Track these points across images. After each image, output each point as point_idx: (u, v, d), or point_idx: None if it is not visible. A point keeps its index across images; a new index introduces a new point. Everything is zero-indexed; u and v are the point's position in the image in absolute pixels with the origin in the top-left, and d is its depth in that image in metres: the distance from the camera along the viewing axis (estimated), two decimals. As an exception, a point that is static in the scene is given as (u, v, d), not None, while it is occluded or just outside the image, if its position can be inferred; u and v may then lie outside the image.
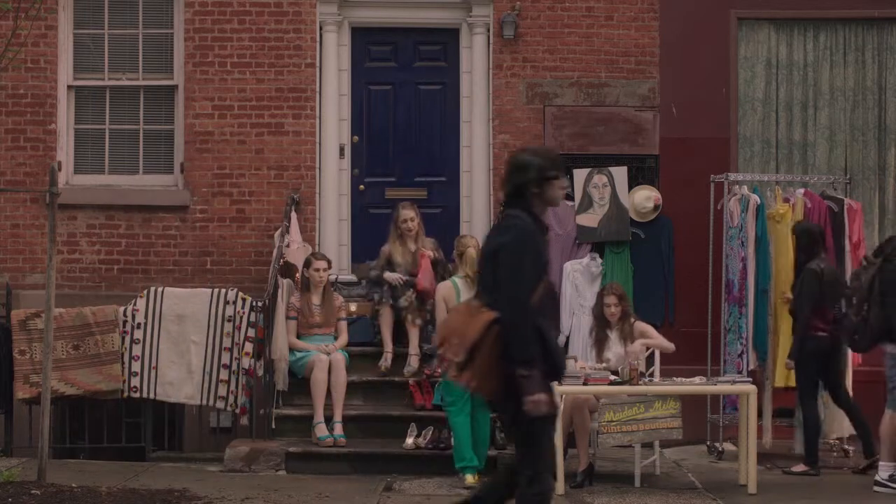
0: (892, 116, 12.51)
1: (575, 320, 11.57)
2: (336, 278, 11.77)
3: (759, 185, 11.63)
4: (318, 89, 12.43)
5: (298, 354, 10.79)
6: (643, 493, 9.58)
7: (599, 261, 11.77)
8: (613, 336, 10.27)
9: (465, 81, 12.59)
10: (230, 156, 12.33)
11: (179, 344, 10.99)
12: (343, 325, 11.10)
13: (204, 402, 11.03)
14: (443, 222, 12.44)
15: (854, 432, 10.74)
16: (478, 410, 9.93)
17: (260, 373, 10.77)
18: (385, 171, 12.70)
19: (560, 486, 9.47)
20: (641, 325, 10.34)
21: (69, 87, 12.49)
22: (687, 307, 11.86)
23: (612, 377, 9.84)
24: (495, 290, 6.20)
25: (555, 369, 6.29)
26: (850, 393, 10.94)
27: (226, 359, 10.96)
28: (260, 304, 10.79)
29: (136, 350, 10.99)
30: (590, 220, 11.93)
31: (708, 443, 11.41)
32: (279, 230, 11.56)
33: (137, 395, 10.99)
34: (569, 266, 11.78)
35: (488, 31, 12.45)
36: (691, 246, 11.83)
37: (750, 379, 10.40)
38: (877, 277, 9.53)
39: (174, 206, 12.32)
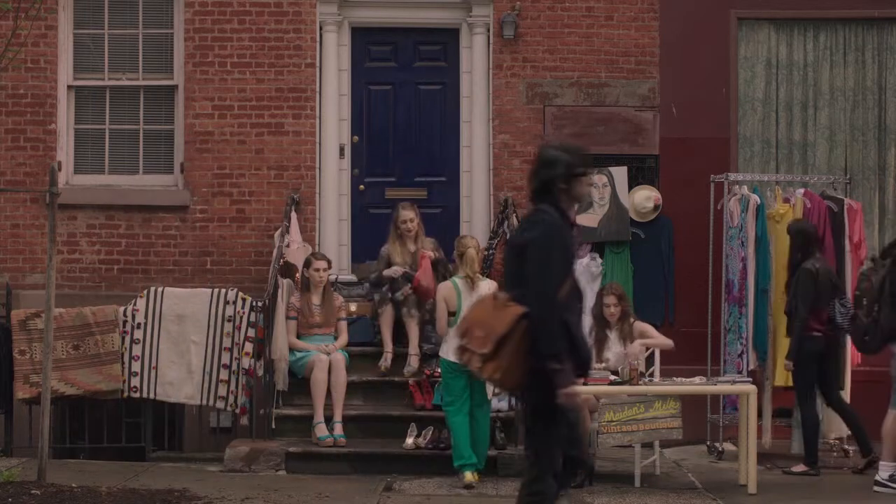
0: (892, 116, 12.51)
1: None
2: (336, 278, 11.77)
3: (759, 185, 11.63)
4: (318, 89, 12.43)
5: (298, 354, 10.79)
6: (643, 493, 9.58)
7: (599, 261, 11.78)
8: (613, 336, 10.28)
9: (465, 81, 12.59)
10: (230, 156, 12.33)
11: (179, 344, 10.99)
12: (343, 325, 11.10)
13: (204, 402, 11.03)
14: (443, 222, 12.44)
15: (841, 435, 10.79)
16: (478, 410, 9.95)
17: (260, 373, 10.77)
18: (385, 171, 12.70)
19: (560, 486, 9.48)
20: (641, 325, 10.35)
21: (69, 87, 12.49)
22: (687, 307, 11.86)
23: (612, 377, 9.85)
24: (522, 284, 6.24)
25: (581, 364, 6.32)
26: (849, 392, 10.95)
27: (226, 359, 10.96)
28: (260, 304, 10.79)
29: (136, 350, 10.99)
30: (590, 220, 11.94)
31: (708, 443, 11.41)
32: (279, 230, 11.56)
33: (137, 395, 10.99)
34: (569, 266, 11.76)
35: (488, 31, 12.45)
36: (691, 246, 11.83)
37: (750, 379, 10.41)
38: (887, 279, 9.57)
39: (174, 206, 12.32)
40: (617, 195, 11.92)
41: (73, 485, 9.04)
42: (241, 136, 12.34)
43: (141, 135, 12.56)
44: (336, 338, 10.98)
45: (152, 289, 11.19)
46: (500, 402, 10.41)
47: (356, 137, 12.66)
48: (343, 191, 12.59)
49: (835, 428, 11.05)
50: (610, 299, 10.26)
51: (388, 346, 11.11)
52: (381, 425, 10.77)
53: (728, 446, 11.15)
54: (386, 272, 11.12)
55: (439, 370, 10.25)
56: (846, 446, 11.02)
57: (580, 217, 11.88)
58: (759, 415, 10.49)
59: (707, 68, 12.31)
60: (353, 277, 12.33)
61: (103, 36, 12.55)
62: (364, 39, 12.72)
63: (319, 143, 12.46)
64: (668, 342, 10.29)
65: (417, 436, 10.40)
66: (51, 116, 12.35)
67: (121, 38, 12.55)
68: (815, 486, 9.89)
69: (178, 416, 11.50)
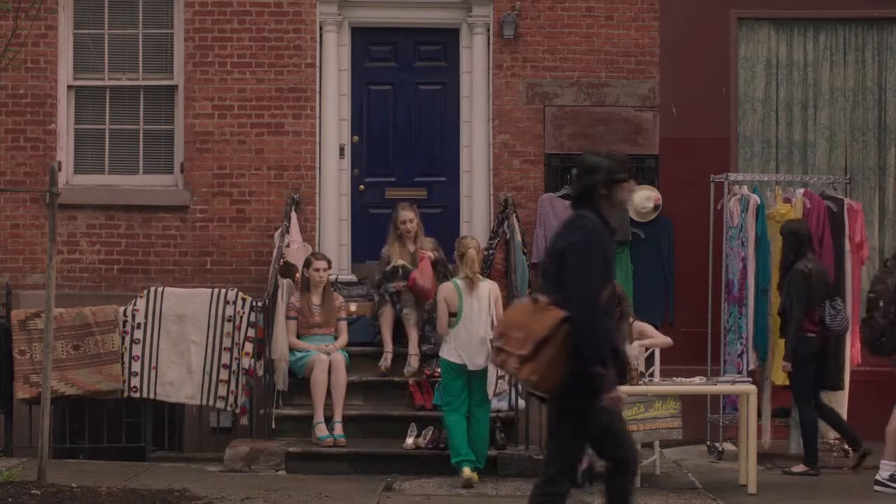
0: (892, 116, 12.51)
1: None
2: (336, 278, 11.77)
3: (759, 185, 11.63)
4: (318, 89, 12.43)
5: (298, 354, 10.79)
6: (643, 493, 9.56)
7: (599, 261, 11.74)
8: (613, 336, 10.26)
9: (465, 81, 12.58)
10: (230, 156, 12.33)
11: (179, 344, 11.00)
12: (343, 325, 11.10)
13: (204, 402, 11.03)
14: (443, 222, 12.44)
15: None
16: (477, 409, 9.95)
17: (260, 373, 10.77)
18: (385, 171, 12.70)
19: (560, 486, 9.47)
20: (640, 325, 10.35)
21: (69, 87, 12.49)
22: (687, 307, 11.86)
23: (612, 377, 9.83)
24: (563, 289, 6.27)
25: (619, 370, 6.35)
26: (849, 392, 10.96)
27: (226, 359, 10.96)
28: (260, 304, 10.79)
29: (136, 350, 10.99)
30: (590, 220, 11.91)
31: (708, 443, 11.41)
32: (279, 230, 11.56)
33: (137, 395, 10.99)
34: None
35: (488, 31, 12.45)
36: (691, 246, 11.83)
37: (750, 379, 10.42)
38: None
39: (174, 206, 12.32)
40: (617, 195, 11.90)
41: (73, 485, 9.04)
42: (241, 136, 12.34)
43: (141, 135, 12.56)
44: (336, 338, 10.99)
45: (152, 289, 11.20)
46: (500, 402, 10.41)
47: (356, 137, 12.66)
48: (343, 191, 12.59)
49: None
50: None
51: (389, 346, 11.11)
52: (381, 425, 10.78)
53: (728, 446, 11.15)
54: (392, 264, 11.10)
55: (439, 370, 10.25)
56: (846, 446, 11.01)
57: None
58: (759, 415, 10.49)
59: (707, 68, 12.31)
60: (353, 277, 12.32)
61: (103, 36, 12.55)
62: (364, 39, 12.72)
63: (319, 143, 12.46)
64: (667, 340, 10.30)
65: (417, 436, 10.40)
66: (51, 116, 12.35)
67: (121, 38, 12.55)
68: (815, 486, 9.89)
69: (178, 416, 11.51)
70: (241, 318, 10.92)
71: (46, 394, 9.31)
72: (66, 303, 11.04)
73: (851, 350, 11.14)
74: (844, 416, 10.96)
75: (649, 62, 12.37)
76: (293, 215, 11.89)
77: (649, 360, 10.35)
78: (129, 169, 12.55)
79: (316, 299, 10.97)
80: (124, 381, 10.95)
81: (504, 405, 10.53)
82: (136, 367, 10.98)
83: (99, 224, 12.32)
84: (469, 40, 12.58)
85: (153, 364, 10.97)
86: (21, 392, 10.77)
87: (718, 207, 11.57)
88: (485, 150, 12.46)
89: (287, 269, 11.20)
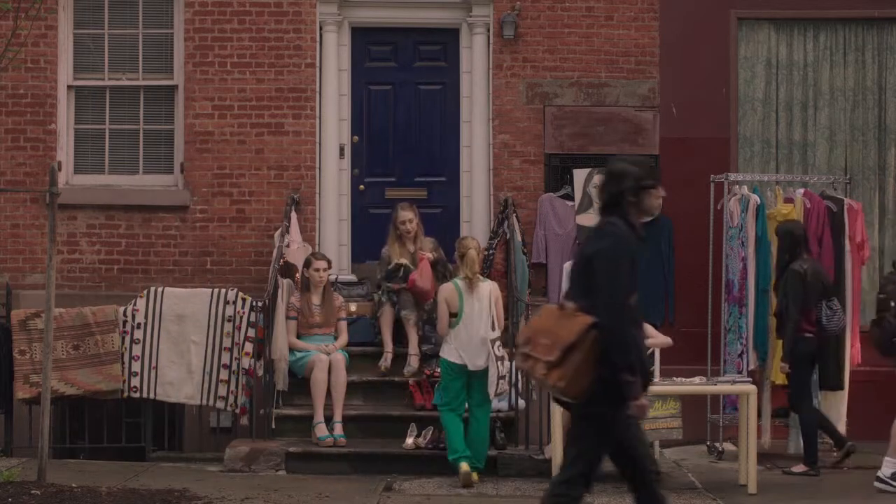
0: (892, 116, 12.51)
1: (575, 320, 11.54)
2: (336, 278, 11.77)
3: (759, 185, 11.63)
4: (318, 89, 12.43)
5: (298, 354, 10.79)
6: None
7: (599, 261, 11.74)
8: (613, 336, 10.25)
9: (465, 81, 12.58)
10: (230, 156, 12.33)
11: (179, 344, 11.00)
12: (343, 325, 11.10)
13: (204, 402, 11.03)
14: (443, 222, 12.44)
15: (842, 432, 10.82)
16: (478, 409, 9.96)
17: (260, 373, 10.78)
18: (385, 171, 12.70)
19: (560, 486, 9.47)
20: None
21: (69, 87, 12.49)
22: (687, 307, 11.85)
23: (612, 377, 9.83)
24: (590, 295, 6.28)
25: (644, 377, 6.38)
26: (848, 392, 10.97)
27: (226, 359, 10.96)
28: (260, 304, 10.79)
29: (136, 350, 10.99)
30: (590, 220, 11.89)
31: (708, 443, 11.41)
32: (279, 230, 11.56)
33: (137, 395, 11.00)
34: (569, 266, 11.74)
35: (488, 31, 12.45)
36: (691, 246, 11.83)
37: (750, 379, 10.41)
38: None
39: (174, 206, 12.32)
40: (617, 195, 11.90)
41: (73, 485, 9.04)
42: (241, 136, 12.34)
43: (141, 135, 12.56)
44: (336, 338, 10.99)
45: (152, 289, 11.20)
46: (500, 402, 10.42)
47: (356, 137, 12.66)
48: (343, 191, 12.59)
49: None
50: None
51: (389, 346, 11.11)
52: (381, 425, 10.78)
53: (728, 446, 11.15)
54: (394, 262, 11.10)
55: (439, 370, 10.25)
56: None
57: (580, 217, 11.92)
58: (759, 415, 10.49)
59: (707, 68, 12.31)
60: (353, 277, 12.32)
61: (103, 36, 12.55)
62: (364, 39, 12.72)
63: (319, 143, 12.46)
64: (667, 340, 10.29)
65: (417, 436, 10.40)
66: (51, 116, 12.35)
67: (121, 38, 12.55)
68: (815, 486, 9.89)
69: (178, 416, 11.50)
70: (241, 318, 10.93)
71: (46, 394, 9.31)
72: (66, 303, 11.04)
73: (851, 350, 11.15)
74: (844, 416, 10.97)
75: (649, 62, 12.37)
76: (293, 215, 11.89)
77: (649, 360, 10.34)
78: (129, 169, 12.55)
79: (316, 299, 10.97)
80: (124, 381, 10.95)
81: (504, 405, 10.53)
82: (136, 367, 10.98)
83: (99, 224, 12.32)
84: (469, 40, 12.57)
85: (153, 364, 10.98)
86: (21, 392, 10.77)
87: (718, 207, 11.57)
88: (485, 150, 12.46)
89: (287, 269, 11.20)
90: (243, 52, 12.34)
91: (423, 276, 11.01)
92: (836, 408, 11.00)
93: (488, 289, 10.03)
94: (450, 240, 11.48)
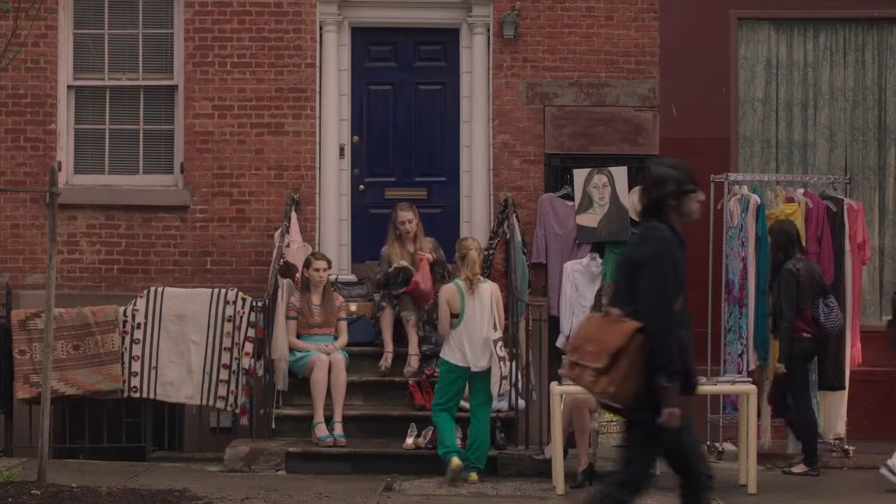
0: (892, 116, 12.51)
1: (575, 320, 11.54)
2: (336, 278, 11.77)
3: (759, 185, 11.63)
4: (318, 89, 12.43)
5: (298, 354, 10.79)
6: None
7: (599, 261, 11.77)
8: (613, 336, 10.25)
9: (465, 81, 12.58)
10: (230, 156, 12.33)
11: (179, 344, 11.00)
12: (343, 325, 11.10)
13: (204, 402, 11.03)
14: (443, 222, 12.44)
15: (841, 435, 10.83)
16: (478, 409, 9.96)
17: (260, 373, 10.77)
18: (385, 171, 12.69)
19: (560, 486, 9.48)
20: (641, 325, 10.33)
21: (69, 87, 12.48)
22: (687, 307, 11.81)
23: (612, 377, 9.83)
24: (634, 300, 6.29)
25: (690, 381, 6.38)
26: (849, 392, 10.97)
27: (226, 359, 10.96)
28: (260, 304, 10.79)
29: (136, 350, 10.99)
30: (590, 220, 11.94)
31: (708, 443, 11.40)
32: (279, 230, 11.56)
33: (137, 395, 11.00)
34: (569, 266, 11.78)
35: (488, 31, 12.44)
36: (691, 246, 11.71)
37: (750, 379, 10.41)
38: None
39: (174, 206, 12.32)
40: (617, 195, 11.92)
41: (73, 485, 9.04)
42: (241, 136, 12.34)
43: (141, 135, 12.56)
44: (336, 338, 10.99)
45: (152, 289, 11.20)
46: (500, 402, 10.41)
47: (356, 137, 12.66)
48: (343, 191, 12.58)
49: (832, 427, 11.04)
50: (609, 299, 10.25)
51: (389, 346, 11.11)
52: (381, 425, 10.78)
53: (728, 446, 11.15)
54: (392, 267, 11.10)
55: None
56: (846, 446, 11.01)
57: (580, 217, 11.92)
58: (759, 415, 10.49)
59: (707, 68, 12.31)
60: (353, 277, 12.32)
61: (103, 36, 12.55)
62: (364, 39, 12.71)
63: (319, 143, 12.45)
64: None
65: (417, 436, 10.40)
66: (51, 116, 12.35)
67: (121, 38, 12.55)
68: (815, 486, 9.89)
69: (178, 416, 11.50)
70: (241, 318, 10.93)
71: (46, 394, 9.31)
72: (66, 303, 11.04)
73: (852, 350, 11.14)
74: (844, 416, 10.97)
75: (649, 62, 12.37)
76: (293, 215, 11.89)
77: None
78: (129, 169, 12.55)
79: (316, 299, 10.97)
80: (124, 381, 10.95)
81: (504, 405, 10.53)
82: (136, 367, 10.98)
83: (99, 224, 12.32)
84: (469, 40, 12.57)
85: (153, 364, 10.98)
86: (21, 392, 10.77)
87: (718, 207, 11.56)
88: (485, 150, 12.46)
89: (287, 269, 11.20)
90: (243, 52, 12.34)
91: (422, 278, 11.01)
92: (836, 408, 11.00)
93: (489, 289, 10.03)
94: (450, 240, 11.48)
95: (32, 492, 8.71)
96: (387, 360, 11.09)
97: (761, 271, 11.07)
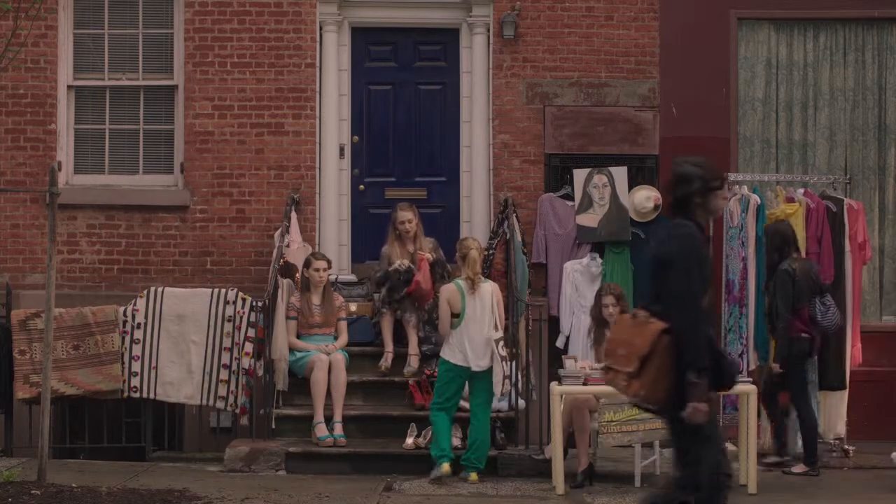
0: (892, 116, 12.51)
1: (575, 320, 11.56)
2: (336, 278, 11.77)
3: (759, 185, 11.63)
4: (318, 89, 12.42)
5: (298, 354, 10.79)
6: (643, 493, 9.56)
7: (599, 261, 11.77)
8: (613, 336, 10.26)
9: (465, 81, 12.58)
10: (230, 156, 12.33)
11: (179, 344, 11.00)
12: (343, 325, 11.10)
13: (204, 402, 11.03)
14: (443, 222, 12.44)
15: (841, 434, 10.84)
16: (479, 409, 9.96)
17: (260, 373, 10.77)
18: (385, 171, 12.69)
19: (560, 486, 9.48)
20: (641, 326, 10.32)
21: (69, 87, 12.48)
22: (687, 307, 11.82)
23: (612, 377, 9.84)
24: (663, 298, 6.31)
25: (722, 376, 6.35)
26: (849, 392, 10.98)
27: (226, 359, 10.96)
28: (260, 304, 10.79)
29: (136, 350, 10.99)
30: (590, 220, 11.94)
31: (708, 443, 11.38)
32: (279, 230, 11.55)
33: (137, 395, 11.00)
34: (569, 266, 11.78)
35: (488, 31, 12.44)
36: (691, 246, 11.80)
37: (750, 379, 10.40)
38: None
39: (174, 206, 12.32)
40: (617, 195, 11.92)
41: (73, 485, 9.04)
42: (241, 136, 12.34)
43: (141, 135, 12.56)
44: (336, 338, 10.99)
45: (152, 289, 11.20)
46: (500, 402, 10.42)
47: (356, 137, 12.66)
48: (343, 191, 12.58)
49: (832, 427, 11.04)
50: (608, 299, 10.26)
51: (389, 346, 11.11)
52: (381, 425, 10.78)
53: (728, 446, 11.12)
54: (393, 266, 11.11)
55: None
56: (846, 446, 11.01)
57: (580, 217, 11.92)
58: (759, 415, 10.49)
59: (707, 68, 12.31)
60: (353, 277, 12.32)
61: (103, 36, 12.55)
62: (364, 39, 12.71)
63: (319, 143, 12.45)
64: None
65: (417, 436, 10.40)
66: (51, 116, 12.34)
67: (121, 38, 12.55)
68: (815, 486, 9.89)
69: (178, 416, 11.50)
70: (241, 318, 10.93)
71: (46, 394, 9.31)
72: (66, 303, 11.04)
73: (852, 350, 11.14)
74: (844, 416, 10.97)
75: (649, 62, 12.37)
76: (293, 215, 11.89)
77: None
78: (129, 169, 12.55)
79: (316, 299, 10.97)
80: (124, 381, 10.95)
81: (504, 405, 10.53)
82: (136, 367, 10.98)
83: (99, 224, 12.32)
84: (469, 40, 12.57)
85: (153, 364, 10.98)
86: (21, 392, 10.77)
87: (718, 207, 11.54)
88: (485, 150, 12.45)
89: (287, 269, 11.20)
90: (243, 52, 12.34)
91: (423, 278, 11.01)
92: (837, 408, 11.00)
93: (490, 289, 10.04)
94: (450, 240, 11.48)
95: (32, 492, 8.71)
96: (387, 360, 11.09)
97: (761, 271, 11.08)
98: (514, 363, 10.34)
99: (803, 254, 10.84)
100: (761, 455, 10.19)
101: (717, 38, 12.36)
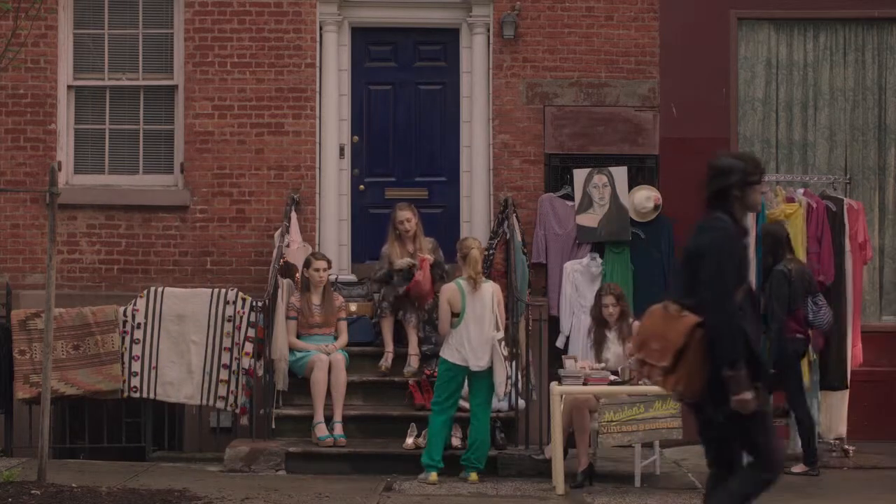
0: (892, 116, 12.51)
1: (575, 320, 11.57)
2: (336, 278, 11.77)
3: (759, 185, 11.61)
4: (318, 89, 12.43)
5: (298, 354, 10.79)
6: (643, 493, 9.58)
7: (599, 261, 11.78)
8: (612, 336, 10.27)
9: (465, 81, 12.58)
10: (230, 156, 12.33)
11: (179, 344, 11.00)
12: (343, 325, 11.10)
13: (204, 402, 11.03)
14: (443, 222, 12.44)
15: (842, 435, 10.84)
16: (479, 409, 9.96)
17: (260, 373, 10.78)
18: (385, 171, 12.69)
19: (560, 486, 9.48)
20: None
21: (69, 87, 12.49)
22: (687, 307, 11.82)
23: (612, 377, 9.85)
24: (696, 292, 6.30)
25: (758, 369, 6.33)
26: (849, 392, 10.98)
27: (226, 359, 10.97)
28: (260, 304, 10.79)
29: (136, 350, 10.99)
30: (590, 220, 11.94)
31: (708, 443, 11.39)
32: (279, 230, 11.56)
33: (137, 395, 11.00)
34: (569, 266, 11.79)
35: (488, 31, 12.44)
36: (690, 246, 11.80)
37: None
38: None
39: (174, 206, 12.32)
40: (617, 195, 11.92)
41: (73, 485, 9.04)
42: (241, 136, 12.34)
43: (141, 135, 12.56)
44: (336, 338, 10.99)
45: (152, 289, 11.20)
46: (500, 402, 10.41)
47: (356, 137, 12.66)
48: (343, 191, 12.58)
49: (833, 427, 11.05)
50: (608, 299, 10.27)
51: (389, 346, 11.12)
52: (381, 425, 10.78)
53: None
54: (397, 264, 11.11)
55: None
56: (846, 446, 11.01)
57: (580, 217, 11.92)
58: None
59: (707, 68, 12.31)
60: (353, 277, 12.32)
61: (103, 36, 12.55)
62: (364, 39, 12.72)
63: (319, 143, 12.45)
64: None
65: (417, 436, 10.40)
66: (51, 116, 12.35)
67: (121, 38, 12.55)
68: (815, 486, 9.89)
69: (178, 416, 11.50)
70: (241, 318, 10.93)
71: (46, 394, 9.31)
72: (66, 303, 11.04)
73: (853, 350, 11.14)
74: (845, 416, 10.97)
75: (649, 62, 12.37)
76: (293, 215, 11.89)
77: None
78: (129, 169, 12.55)
79: (316, 299, 10.97)
80: (124, 381, 10.95)
81: (504, 405, 10.53)
82: (136, 367, 10.98)
83: (99, 224, 12.32)
84: (469, 40, 12.57)
85: (153, 364, 10.98)
86: (21, 392, 10.77)
87: (718, 207, 11.54)
88: (485, 150, 12.46)
89: (287, 269, 11.20)
90: (243, 52, 12.34)
91: (424, 279, 11.01)
92: (837, 407, 11.00)
93: (490, 289, 10.03)
94: (450, 240, 11.48)
95: (32, 492, 8.71)
96: (387, 360, 11.09)
97: (761, 271, 11.07)
98: (514, 363, 10.34)
99: (804, 253, 10.84)
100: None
101: (717, 38, 12.36)
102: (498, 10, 12.33)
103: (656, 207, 11.94)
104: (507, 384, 9.99)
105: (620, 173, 12.00)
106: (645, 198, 11.92)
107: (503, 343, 9.93)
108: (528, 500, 9.36)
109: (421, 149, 12.69)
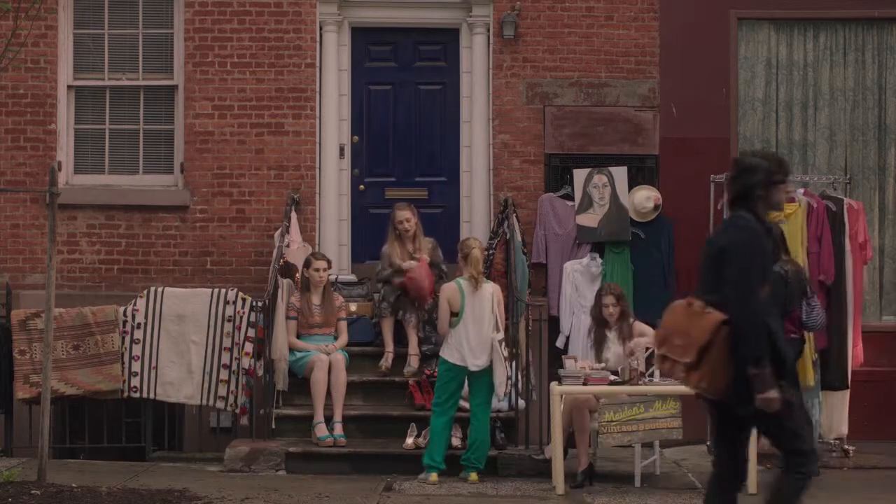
0: (892, 116, 12.51)
1: (575, 320, 11.56)
2: (336, 278, 11.77)
3: (759, 184, 11.60)
4: (318, 89, 12.43)
5: (298, 354, 10.79)
6: (643, 493, 9.58)
7: (599, 261, 11.78)
8: (612, 336, 10.28)
9: (465, 81, 12.58)
10: (230, 156, 12.33)
11: (179, 344, 11.00)
12: (343, 325, 11.10)
13: (204, 402, 11.04)
14: (443, 222, 12.44)
15: (843, 434, 10.84)
16: (479, 409, 9.96)
17: (260, 373, 10.78)
18: (385, 171, 12.69)
19: (560, 486, 9.48)
20: (640, 326, 10.35)
21: (69, 87, 12.48)
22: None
23: (612, 377, 9.85)
24: (719, 289, 6.31)
25: (783, 366, 6.34)
26: (849, 392, 10.98)
27: (226, 359, 10.97)
28: (260, 304, 10.79)
29: (136, 350, 10.99)
30: (590, 220, 11.94)
31: (708, 443, 11.39)
32: (279, 230, 11.56)
33: (137, 395, 11.00)
34: (569, 266, 11.78)
35: (488, 31, 12.44)
36: (691, 246, 11.76)
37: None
38: None
39: (174, 206, 12.32)
40: (617, 195, 11.92)
41: (73, 485, 9.04)
42: (241, 136, 12.34)
43: (141, 135, 12.56)
44: (336, 338, 10.99)
45: (152, 289, 11.20)
46: (500, 403, 10.41)
47: (356, 137, 12.66)
48: (343, 191, 12.58)
49: (834, 428, 11.05)
50: (608, 299, 10.27)
51: (389, 346, 11.12)
52: (381, 425, 10.78)
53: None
54: (403, 266, 11.11)
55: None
56: (846, 446, 11.02)
57: (580, 217, 11.92)
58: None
59: (707, 68, 12.31)
60: (353, 277, 12.32)
61: (103, 36, 12.55)
62: (364, 39, 12.72)
63: (319, 143, 12.45)
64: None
65: (417, 436, 10.40)
66: (51, 116, 12.35)
67: (121, 38, 12.55)
68: (815, 486, 9.84)
69: (178, 416, 11.50)
70: (241, 318, 10.93)
71: (46, 394, 9.31)
72: (66, 303, 11.04)
73: (854, 350, 11.14)
74: (846, 416, 10.97)
75: (649, 62, 12.37)
76: (293, 215, 11.89)
77: (649, 360, 10.34)
78: (129, 169, 12.55)
79: (316, 299, 10.97)
80: (124, 381, 10.96)
81: (504, 405, 10.53)
82: (136, 367, 10.99)
83: (99, 224, 12.32)
84: (469, 40, 12.57)
85: (153, 364, 10.98)
86: (21, 392, 10.77)
87: (718, 207, 11.54)
88: (485, 150, 12.46)
89: (287, 269, 11.20)
90: (243, 52, 12.34)
91: (421, 275, 11.01)
92: (838, 407, 10.99)
93: (490, 290, 10.03)
94: (450, 240, 11.49)
95: (32, 492, 8.71)
96: (387, 360, 11.10)
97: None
98: (514, 363, 10.34)
99: (804, 253, 10.83)
100: (761, 455, 10.18)
101: (717, 38, 12.36)
102: (498, 10, 12.33)
103: (656, 207, 11.94)
104: (507, 384, 9.99)
105: (620, 173, 12.00)
106: (645, 198, 11.92)
107: (503, 343, 9.93)
108: (528, 500, 9.37)
109: (421, 149, 12.69)
